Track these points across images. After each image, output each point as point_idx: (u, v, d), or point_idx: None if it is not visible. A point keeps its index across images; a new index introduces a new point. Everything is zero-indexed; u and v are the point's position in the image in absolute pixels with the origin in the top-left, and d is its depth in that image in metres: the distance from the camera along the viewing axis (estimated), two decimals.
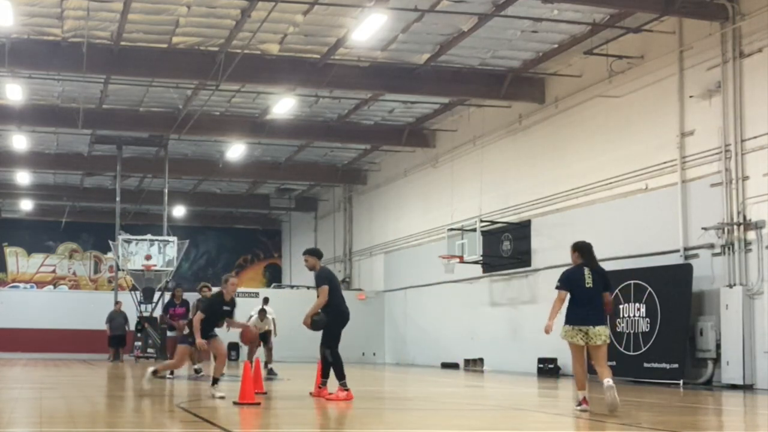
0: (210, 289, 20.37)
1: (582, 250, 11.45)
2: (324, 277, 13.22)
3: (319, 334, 13.35)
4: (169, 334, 19.21)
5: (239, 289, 37.86)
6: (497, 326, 26.28)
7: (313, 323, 13.03)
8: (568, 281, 11.30)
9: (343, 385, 12.95)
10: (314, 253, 13.78)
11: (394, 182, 33.34)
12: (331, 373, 13.20)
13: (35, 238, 45.22)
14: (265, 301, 21.12)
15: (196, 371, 18.98)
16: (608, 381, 10.86)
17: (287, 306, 31.24)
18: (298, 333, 32.71)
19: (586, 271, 11.29)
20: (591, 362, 11.53)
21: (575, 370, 11.52)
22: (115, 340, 32.36)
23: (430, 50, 22.02)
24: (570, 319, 11.26)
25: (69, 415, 10.31)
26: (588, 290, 11.19)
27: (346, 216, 37.96)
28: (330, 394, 13.06)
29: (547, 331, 11.34)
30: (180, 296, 19.10)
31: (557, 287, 11.38)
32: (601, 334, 11.17)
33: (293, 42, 21.58)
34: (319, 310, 13.04)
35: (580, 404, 11.40)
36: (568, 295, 11.27)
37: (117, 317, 32.55)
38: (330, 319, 13.07)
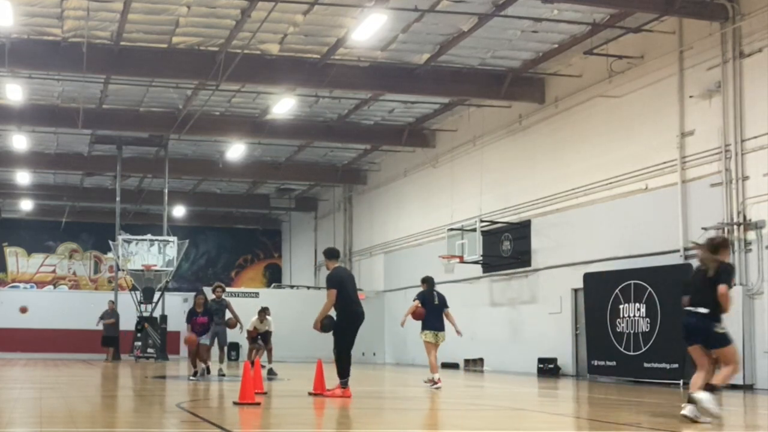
0: (224, 289, 20.40)
1: (429, 282, 16.94)
2: (331, 280, 13.49)
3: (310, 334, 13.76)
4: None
5: (239, 289, 38.01)
6: (497, 326, 26.28)
7: (323, 326, 13.38)
8: (425, 299, 16.62)
9: (343, 384, 13.23)
10: (325, 253, 14.24)
11: (394, 182, 33.34)
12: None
13: (35, 238, 45.22)
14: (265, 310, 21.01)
15: (207, 371, 19.08)
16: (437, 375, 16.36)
17: (288, 306, 31.36)
18: (298, 333, 32.77)
19: (434, 293, 16.73)
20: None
21: (431, 360, 16.48)
22: (106, 340, 32.34)
23: (430, 50, 22.02)
24: (428, 326, 16.56)
25: (69, 415, 10.30)
26: (436, 306, 16.60)
27: (346, 216, 37.95)
28: (328, 390, 13.34)
29: (403, 324, 17.37)
30: (201, 304, 18.09)
31: (416, 300, 16.68)
32: (444, 336, 16.70)
33: (293, 42, 21.58)
34: (329, 313, 13.33)
35: (435, 383, 16.12)
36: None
37: (107, 317, 32.49)
38: (339, 322, 13.33)
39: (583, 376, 21.81)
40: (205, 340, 18.55)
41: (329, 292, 13.37)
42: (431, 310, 16.57)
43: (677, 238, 19.26)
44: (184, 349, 38.61)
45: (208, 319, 18.24)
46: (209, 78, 22.39)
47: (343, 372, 13.30)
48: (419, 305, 16.62)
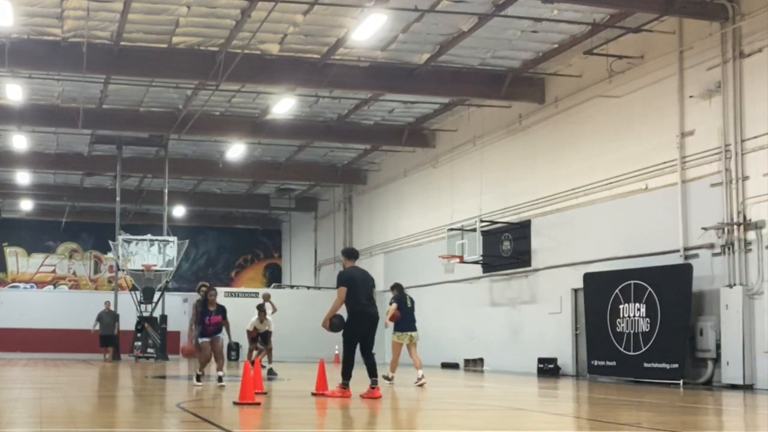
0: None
1: (399, 288, 17.91)
2: (341, 278, 13.35)
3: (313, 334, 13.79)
4: (202, 340, 16.78)
5: (239, 289, 37.97)
6: (497, 326, 26.28)
7: (331, 325, 13.24)
8: (400, 302, 17.61)
9: (344, 385, 13.15)
10: (343, 252, 14.13)
11: (394, 182, 33.34)
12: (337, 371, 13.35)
13: (35, 238, 45.22)
14: (261, 307, 20.92)
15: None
16: (421, 371, 17.29)
17: (288, 306, 31.33)
18: (298, 333, 32.68)
19: (407, 297, 17.77)
20: (410, 354, 17.70)
21: (396, 360, 17.88)
22: (104, 340, 32.36)
23: (430, 50, 22.02)
24: (403, 328, 17.56)
25: (69, 415, 10.31)
26: (409, 309, 17.65)
27: (346, 216, 37.95)
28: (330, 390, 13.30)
29: (386, 326, 17.76)
30: (214, 301, 16.00)
31: (393, 303, 17.66)
32: (418, 335, 17.73)
33: (293, 42, 21.58)
34: (339, 312, 13.18)
35: (389, 379, 17.47)
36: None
37: (105, 317, 32.52)
38: (348, 322, 13.19)
39: (583, 376, 21.81)
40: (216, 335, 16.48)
41: (338, 290, 13.23)
42: (405, 312, 17.64)
43: (677, 238, 19.26)
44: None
45: (222, 317, 16.13)
46: (209, 78, 22.39)
47: (346, 373, 13.22)
48: (397, 308, 17.63)
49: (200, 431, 9.09)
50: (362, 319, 13.28)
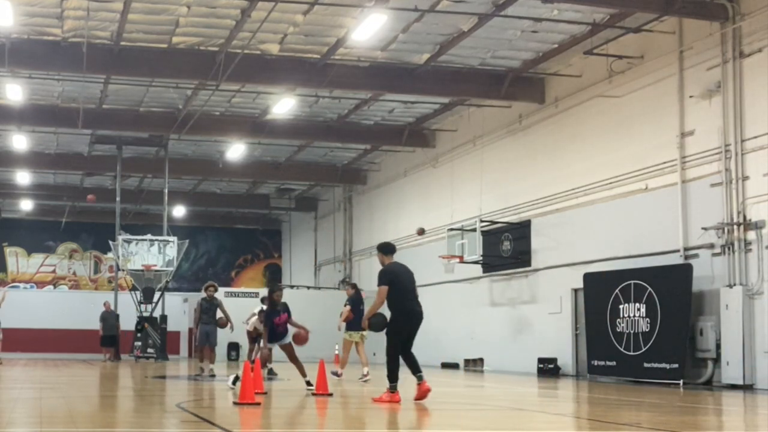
0: (216, 289, 20.27)
1: (356, 289, 19.34)
2: (383, 276, 12.42)
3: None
4: (271, 345, 15.67)
5: (240, 289, 37.89)
6: (497, 326, 26.28)
7: (371, 325, 12.53)
8: (354, 303, 18.99)
9: (392, 389, 12.45)
10: (379, 248, 12.93)
11: (394, 182, 33.34)
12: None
13: (35, 238, 45.21)
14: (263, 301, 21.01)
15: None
16: (367, 368, 18.39)
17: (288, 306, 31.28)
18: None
19: (362, 299, 18.92)
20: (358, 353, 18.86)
21: (346, 357, 19.16)
22: (106, 340, 32.35)
23: (430, 50, 22.02)
24: (354, 327, 18.64)
25: (69, 415, 10.31)
26: (362, 310, 18.20)
27: (346, 216, 37.94)
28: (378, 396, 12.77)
29: (339, 328, 19.35)
30: (280, 299, 14.88)
31: (347, 305, 19.04)
32: (368, 335, 18.11)
33: (293, 42, 21.58)
34: (379, 311, 12.42)
35: (365, 376, 18.08)
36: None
37: (108, 317, 32.52)
38: (392, 320, 12.40)
39: (583, 376, 21.81)
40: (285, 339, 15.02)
41: (379, 289, 12.28)
42: (358, 313, 18.43)
43: (677, 238, 19.27)
44: (184, 349, 38.72)
45: (288, 315, 14.84)
46: (209, 78, 22.39)
47: (392, 376, 12.44)
48: (350, 310, 18.87)
49: (200, 431, 9.09)
50: (412, 316, 12.41)
